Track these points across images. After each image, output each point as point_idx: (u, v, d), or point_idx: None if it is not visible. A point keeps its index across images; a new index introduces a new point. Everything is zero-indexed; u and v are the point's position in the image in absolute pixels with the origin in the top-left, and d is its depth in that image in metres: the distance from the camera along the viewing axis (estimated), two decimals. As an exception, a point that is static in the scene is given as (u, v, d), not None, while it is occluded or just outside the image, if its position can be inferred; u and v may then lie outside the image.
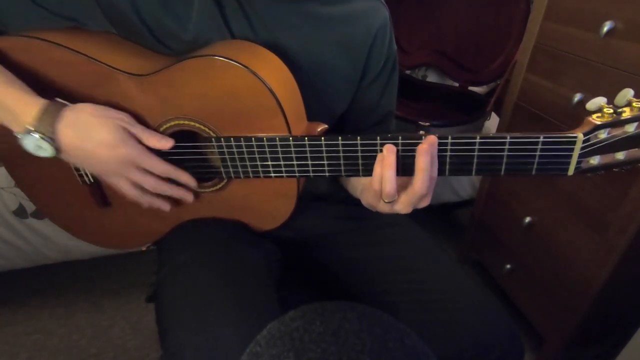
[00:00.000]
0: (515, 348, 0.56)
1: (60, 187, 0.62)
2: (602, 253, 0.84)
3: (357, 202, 0.74)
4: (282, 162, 0.52)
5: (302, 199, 0.60)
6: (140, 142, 0.52)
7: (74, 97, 0.54)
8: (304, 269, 0.70)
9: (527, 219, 1.04)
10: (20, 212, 1.03)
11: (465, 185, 1.39)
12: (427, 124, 1.29)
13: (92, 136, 0.49)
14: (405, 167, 0.47)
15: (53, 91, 0.53)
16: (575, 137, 0.42)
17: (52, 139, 0.48)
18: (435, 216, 1.67)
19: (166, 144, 0.53)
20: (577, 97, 0.86)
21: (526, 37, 1.01)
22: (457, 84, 1.58)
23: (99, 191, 0.61)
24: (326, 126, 0.55)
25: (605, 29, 0.77)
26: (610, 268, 0.83)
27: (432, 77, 1.64)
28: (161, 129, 0.54)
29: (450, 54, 1.54)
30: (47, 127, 0.47)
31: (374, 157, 0.47)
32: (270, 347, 0.34)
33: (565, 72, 0.90)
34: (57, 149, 0.49)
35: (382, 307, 0.40)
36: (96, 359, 1.08)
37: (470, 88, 1.56)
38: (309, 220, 0.69)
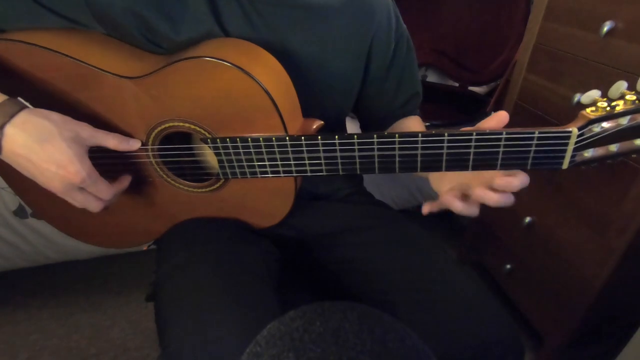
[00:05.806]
0: (515, 348, 0.56)
1: None
2: (602, 253, 0.84)
3: (356, 202, 0.74)
4: (279, 162, 0.51)
5: (301, 198, 0.60)
6: (104, 150, 0.51)
7: (61, 102, 0.52)
8: (303, 268, 0.70)
9: (527, 219, 1.03)
10: (20, 212, 1.03)
11: (465, 185, 1.39)
12: (427, 124, 1.29)
13: (41, 149, 0.45)
14: (407, 162, 0.48)
15: (38, 96, 0.51)
16: (570, 132, 0.43)
17: None
18: (435, 216, 1.66)
19: (133, 145, 0.52)
20: (577, 97, 0.86)
21: (526, 37, 1.01)
22: (457, 84, 1.59)
23: None
24: (322, 123, 0.54)
25: (605, 29, 0.77)
26: (610, 268, 0.83)
27: (432, 77, 1.64)
28: (155, 131, 0.54)
29: (450, 54, 1.54)
30: None
31: (372, 155, 0.48)
32: (270, 347, 0.34)
33: (565, 72, 0.90)
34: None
35: (382, 307, 0.40)
36: (96, 359, 1.08)
37: (470, 88, 1.56)
38: (308, 220, 0.69)
